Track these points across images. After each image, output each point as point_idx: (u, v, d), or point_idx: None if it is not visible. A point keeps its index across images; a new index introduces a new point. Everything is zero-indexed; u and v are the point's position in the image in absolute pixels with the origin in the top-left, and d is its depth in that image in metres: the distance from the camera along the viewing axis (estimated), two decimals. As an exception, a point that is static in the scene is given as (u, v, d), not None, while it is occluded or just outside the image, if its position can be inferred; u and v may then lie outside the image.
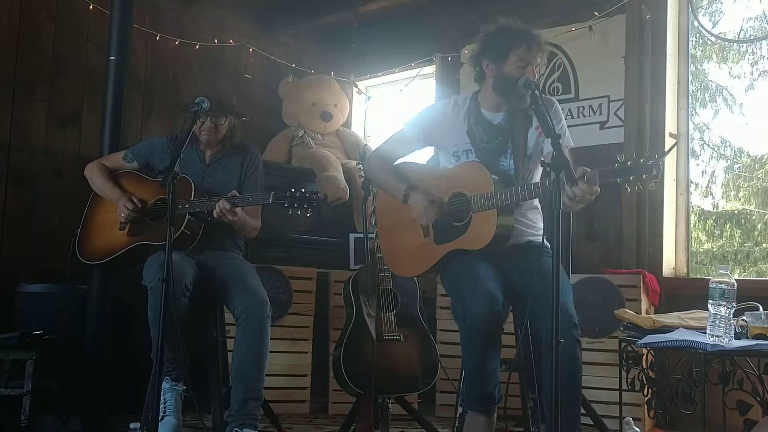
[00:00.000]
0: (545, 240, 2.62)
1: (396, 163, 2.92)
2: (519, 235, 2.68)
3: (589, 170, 2.27)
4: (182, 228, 3.01)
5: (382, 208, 3.01)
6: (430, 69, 5.24)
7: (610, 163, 2.25)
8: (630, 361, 2.97)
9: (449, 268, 2.70)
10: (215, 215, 2.98)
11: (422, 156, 3.07)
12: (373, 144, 5.29)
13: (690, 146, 4.27)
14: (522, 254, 2.65)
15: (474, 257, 2.62)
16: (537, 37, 2.69)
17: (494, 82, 2.71)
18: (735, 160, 4.66)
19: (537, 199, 2.69)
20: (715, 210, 4.67)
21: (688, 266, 4.20)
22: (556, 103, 2.80)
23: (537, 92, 2.38)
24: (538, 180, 2.70)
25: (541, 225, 2.78)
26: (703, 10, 4.38)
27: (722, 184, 4.68)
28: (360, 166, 3.53)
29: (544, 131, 2.26)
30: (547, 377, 2.43)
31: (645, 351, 2.97)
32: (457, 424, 2.81)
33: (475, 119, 2.76)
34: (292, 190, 2.87)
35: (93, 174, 3.38)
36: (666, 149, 3.86)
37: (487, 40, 2.74)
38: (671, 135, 4.17)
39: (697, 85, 4.52)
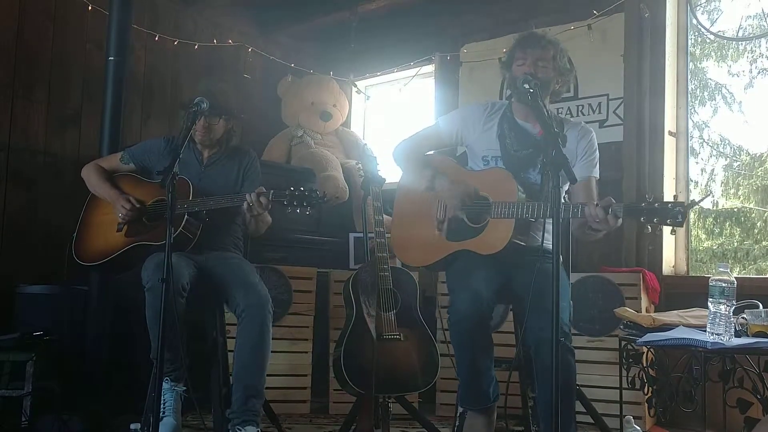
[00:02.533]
0: (545, 245, 2.63)
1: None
2: (530, 242, 2.69)
3: (615, 202, 2.31)
4: (180, 228, 3.01)
5: (402, 196, 3.03)
6: (429, 68, 5.24)
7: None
8: (630, 360, 2.97)
9: (452, 267, 2.72)
10: (246, 209, 2.95)
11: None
12: (372, 143, 5.31)
13: (689, 144, 4.27)
14: (525, 258, 2.65)
15: (476, 260, 2.63)
16: (533, 34, 2.74)
17: (511, 89, 2.78)
18: (734, 158, 4.66)
19: None
20: (714, 208, 4.68)
21: (687, 264, 4.20)
22: (593, 133, 2.83)
23: (530, 85, 2.37)
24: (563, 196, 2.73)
25: (550, 237, 2.79)
26: (701, 8, 4.38)
27: (722, 182, 4.69)
28: (359, 165, 3.52)
29: (541, 128, 2.27)
30: (539, 381, 2.45)
31: (645, 349, 2.97)
32: (457, 424, 2.82)
33: (509, 125, 2.79)
34: (291, 188, 2.86)
35: (90, 175, 3.37)
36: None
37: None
38: (670, 133, 4.18)
39: (696, 83, 4.52)
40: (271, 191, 2.91)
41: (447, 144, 2.98)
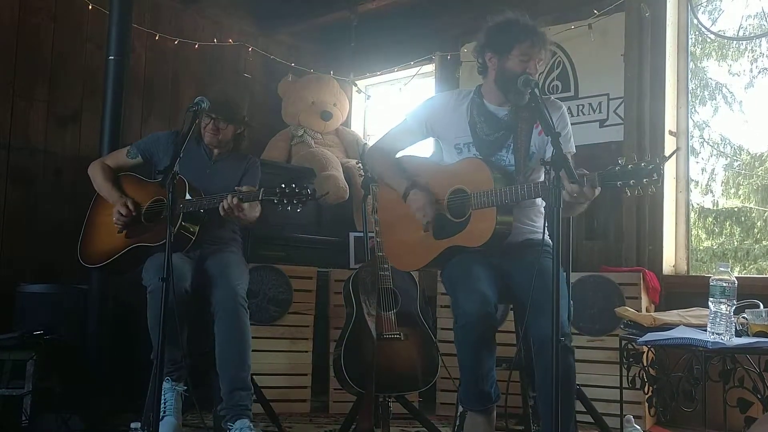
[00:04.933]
0: (546, 237, 2.61)
1: (397, 156, 2.91)
2: (517, 234, 2.66)
3: (588, 173, 2.26)
4: (177, 229, 2.99)
5: (383, 203, 2.99)
6: (430, 68, 5.24)
7: (609, 161, 2.25)
8: (630, 359, 2.97)
9: (448, 266, 2.70)
10: (222, 213, 2.94)
11: (423, 149, 3.06)
12: (373, 142, 5.31)
13: (690, 144, 4.27)
14: (521, 253, 2.63)
15: (472, 256, 2.61)
16: (542, 33, 2.67)
17: (496, 76, 2.69)
18: (735, 158, 4.66)
19: (538, 198, 2.68)
20: (715, 207, 4.67)
21: (688, 264, 4.20)
22: (563, 108, 2.78)
23: (536, 90, 2.37)
24: (540, 180, 2.70)
25: (540, 223, 2.77)
26: (702, 8, 4.38)
27: (722, 182, 4.68)
28: (360, 165, 3.52)
29: (543, 129, 2.25)
30: (539, 381, 2.44)
31: (645, 349, 2.97)
32: (457, 423, 2.82)
33: (478, 111, 2.74)
34: (282, 185, 2.80)
35: (95, 174, 3.37)
36: (667, 153, 3.84)
37: (491, 33, 2.71)
38: (671, 133, 4.17)
39: (696, 82, 4.52)
40: (261, 189, 2.85)
41: (419, 138, 2.89)
